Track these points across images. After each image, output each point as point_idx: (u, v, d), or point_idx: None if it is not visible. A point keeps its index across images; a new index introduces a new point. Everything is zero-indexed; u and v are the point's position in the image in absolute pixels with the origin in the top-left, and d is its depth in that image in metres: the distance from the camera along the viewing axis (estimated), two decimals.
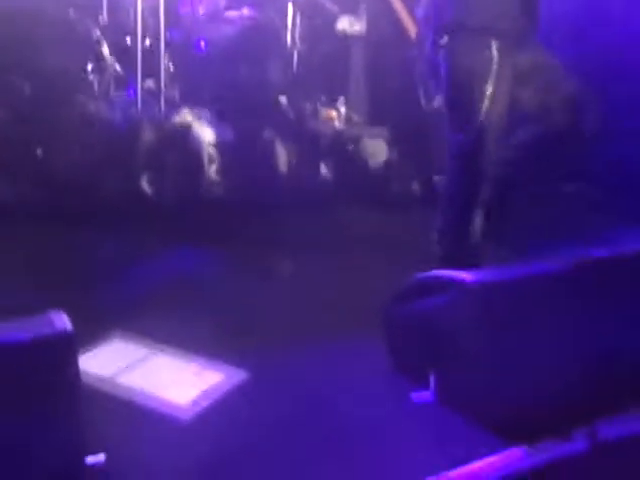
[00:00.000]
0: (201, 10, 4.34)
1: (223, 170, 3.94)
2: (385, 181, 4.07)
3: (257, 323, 2.52)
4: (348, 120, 4.37)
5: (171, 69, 4.19)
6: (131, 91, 4.07)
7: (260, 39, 4.37)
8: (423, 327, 2.19)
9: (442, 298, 2.11)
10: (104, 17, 4.11)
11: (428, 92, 3.60)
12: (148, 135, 3.85)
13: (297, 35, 4.32)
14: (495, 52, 2.72)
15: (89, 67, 3.95)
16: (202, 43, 4.28)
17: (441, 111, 3.47)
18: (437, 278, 2.16)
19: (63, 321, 1.75)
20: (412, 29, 3.93)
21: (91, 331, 2.29)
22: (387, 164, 4.14)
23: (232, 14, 4.36)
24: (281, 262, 3.24)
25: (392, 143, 4.14)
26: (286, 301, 2.66)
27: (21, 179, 3.58)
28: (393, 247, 3.21)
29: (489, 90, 2.72)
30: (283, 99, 4.29)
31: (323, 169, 4.05)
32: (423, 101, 3.63)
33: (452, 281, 2.09)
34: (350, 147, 4.16)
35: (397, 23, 4.08)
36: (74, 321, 1.75)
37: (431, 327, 2.14)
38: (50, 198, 3.40)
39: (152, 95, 4.10)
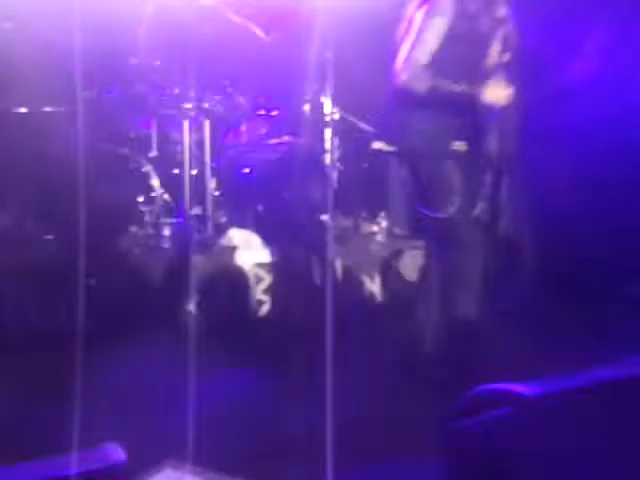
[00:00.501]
0: (245, 142, 4.50)
1: (270, 290, 3.95)
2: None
3: (310, 445, 2.41)
4: (390, 234, 4.38)
5: (216, 195, 4.30)
6: (180, 218, 4.17)
7: (300, 162, 4.48)
8: (480, 443, 2.06)
9: (499, 412, 2.00)
10: (154, 151, 4.28)
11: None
12: (196, 259, 3.91)
13: (335, 156, 4.42)
14: None
15: (140, 199, 4.08)
16: (246, 170, 4.41)
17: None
18: (494, 392, 2.05)
19: (118, 453, 1.70)
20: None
21: (143, 461, 2.22)
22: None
23: (273, 141, 4.50)
24: (332, 381, 3.15)
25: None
26: (339, 421, 2.55)
27: (74, 309, 3.63)
28: None
29: None
30: (325, 217, 4.33)
31: (368, 284, 4.02)
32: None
33: (509, 394, 1.98)
34: (393, 261, 4.15)
35: None
36: (127, 451, 1.70)
37: (489, 442, 2.02)
38: (100, 324, 3.42)
39: (200, 221, 4.19)
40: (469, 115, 2.95)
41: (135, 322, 3.50)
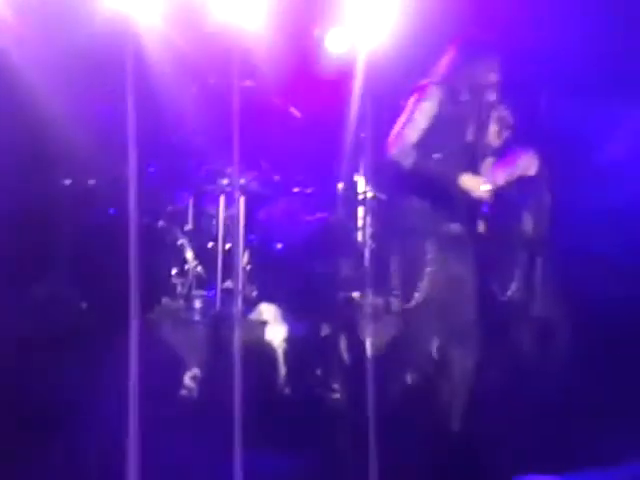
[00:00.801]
0: (278, 215, 4.54)
1: (298, 367, 3.89)
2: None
3: None
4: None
5: (248, 269, 4.30)
6: (211, 291, 4.17)
7: (332, 238, 4.49)
8: None
9: None
10: (189, 224, 4.34)
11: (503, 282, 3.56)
12: (225, 332, 3.89)
13: (368, 233, 4.42)
14: None
15: (174, 271, 4.10)
16: (279, 245, 4.42)
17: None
18: None
19: None
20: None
21: None
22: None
23: (307, 218, 4.53)
24: (366, 464, 3.04)
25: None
26: None
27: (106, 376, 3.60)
28: None
29: None
30: (356, 295, 4.30)
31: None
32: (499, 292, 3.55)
33: None
34: None
35: None
36: None
37: None
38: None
39: (230, 294, 4.19)
40: (463, 196, 3.03)
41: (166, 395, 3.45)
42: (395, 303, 4.31)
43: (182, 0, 4.37)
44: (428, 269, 2.98)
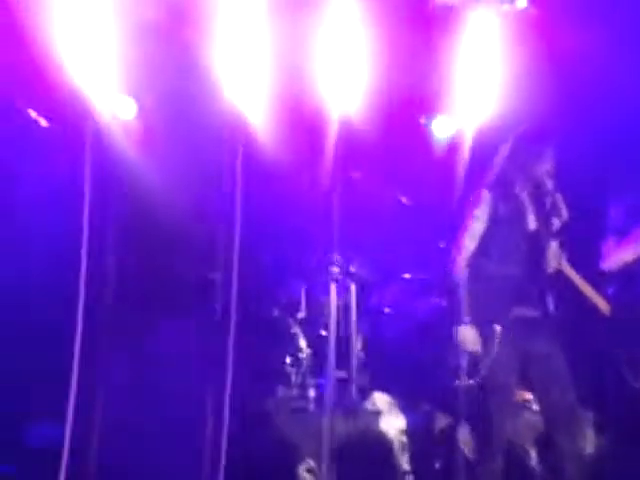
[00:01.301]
0: (389, 302, 4.49)
1: (415, 460, 3.74)
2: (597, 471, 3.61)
3: None
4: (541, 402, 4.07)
5: (361, 357, 4.25)
6: (325, 380, 4.14)
7: (445, 324, 4.38)
8: None
9: None
10: (302, 313, 4.37)
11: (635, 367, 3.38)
12: (340, 422, 3.82)
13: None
14: None
15: (288, 360, 4.12)
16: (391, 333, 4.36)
17: None
18: None
19: None
20: (604, 306, 3.77)
21: None
22: (598, 453, 3.71)
23: (418, 304, 4.46)
24: None
25: (601, 429, 3.75)
26: None
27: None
28: None
29: None
30: (472, 382, 4.12)
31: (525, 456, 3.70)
32: (632, 379, 3.38)
33: None
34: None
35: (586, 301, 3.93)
36: None
37: None
38: None
39: (344, 383, 4.14)
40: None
41: None
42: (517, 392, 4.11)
43: (291, 96, 4.58)
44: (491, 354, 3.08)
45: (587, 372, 3.54)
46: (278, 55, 4.39)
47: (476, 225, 3.16)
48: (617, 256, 3.50)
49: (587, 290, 3.69)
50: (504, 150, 3.27)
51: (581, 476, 3.17)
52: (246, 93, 4.28)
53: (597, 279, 3.60)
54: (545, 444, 3.59)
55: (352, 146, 4.57)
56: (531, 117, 4.24)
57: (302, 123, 4.67)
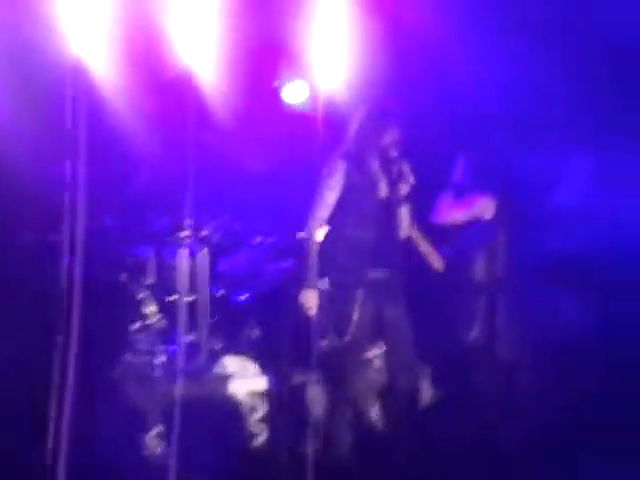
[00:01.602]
0: (242, 268, 4.46)
1: (266, 420, 3.76)
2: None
3: None
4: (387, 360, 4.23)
5: (212, 322, 4.19)
6: (174, 345, 4.04)
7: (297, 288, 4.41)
8: None
9: None
10: (151, 278, 4.22)
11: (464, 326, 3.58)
12: (189, 387, 3.75)
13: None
14: None
15: (136, 326, 3.97)
16: (243, 296, 4.33)
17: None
18: None
19: None
20: (438, 264, 3.97)
21: None
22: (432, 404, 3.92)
23: (270, 268, 4.45)
24: None
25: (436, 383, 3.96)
26: None
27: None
28: None
29: None
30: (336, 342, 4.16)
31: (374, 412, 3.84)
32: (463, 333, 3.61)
33: None
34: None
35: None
36: None
37: None
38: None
39: (195, 348, 4.06)
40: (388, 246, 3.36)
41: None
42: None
43: (139, 50, 4.37)
44: (355, 315, 3.25)
45: (425, 329, 3.71)
46: (127, 6, 4.17)
47: (330, 194, 3.33)
48: (449, 213, 3.72)
49: (426, 249, 3.86)
50: (354, 122, 3.44)
51: (414, 426, 3.38)
52: (94, 47, 4.04)
53: (434, 238, 3.78)
54: (385, 396, 3.75)
55: (205, 107, 4.45)
56: (377, 89, 4.38)
57: (153, 80, 4.50)
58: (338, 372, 3.37)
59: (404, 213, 3.46)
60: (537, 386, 3.72)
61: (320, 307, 3.99)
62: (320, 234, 3.37)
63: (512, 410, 3.63)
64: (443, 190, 3.85)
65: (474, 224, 3.80)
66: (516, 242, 3.78)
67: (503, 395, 3.69)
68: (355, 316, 3.30)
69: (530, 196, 3.86)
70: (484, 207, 3.78)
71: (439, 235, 3.91)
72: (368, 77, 4.64)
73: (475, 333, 3.71)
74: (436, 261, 3.93)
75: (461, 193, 3.82)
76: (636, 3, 4.11)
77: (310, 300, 3.26)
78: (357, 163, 3.35)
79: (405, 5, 4.77)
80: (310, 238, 3.36)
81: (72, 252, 3.34)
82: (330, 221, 3.39)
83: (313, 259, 3.40)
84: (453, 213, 3.68)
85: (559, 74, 4.29)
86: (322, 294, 3.42)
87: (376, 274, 3.34)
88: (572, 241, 3.74)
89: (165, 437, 3.52)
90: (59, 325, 3.50)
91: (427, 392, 3.95)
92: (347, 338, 3.32)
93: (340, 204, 3.34)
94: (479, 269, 3.78)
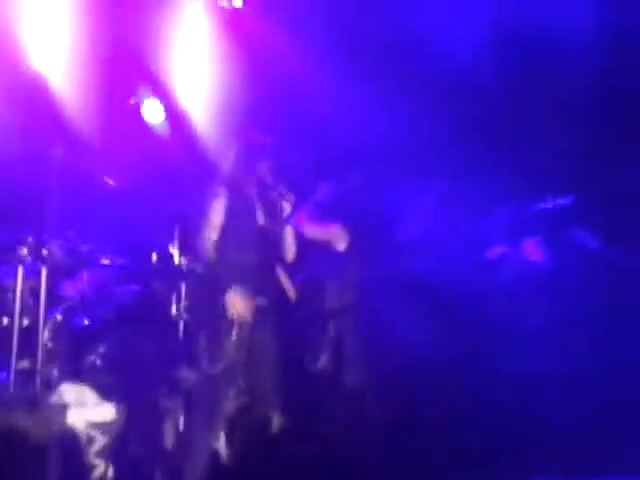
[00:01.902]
0: (85, 288, 4.18)
1: (105, 450, 3.50)
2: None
3: None
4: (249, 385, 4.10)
5: (49, 347, 3.88)
6: (4, 373, 3.69)
7: (152, 311, 4.22)
8: None
9: None
10: None
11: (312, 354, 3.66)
12: (21, 418, 3.42)
13: (182, 306, 4.19)
14: None
15: None
16: (85, 321, 4.05)
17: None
18: None
19: None
20: (291, 294, 3.97)
21: None
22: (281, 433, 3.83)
23: (117, 290, 4.22)
24: None
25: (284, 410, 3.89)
26: None
27: None
28: None
29: None
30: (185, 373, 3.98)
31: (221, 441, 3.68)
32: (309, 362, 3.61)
33: None
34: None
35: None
36: None
37: None
38: None
39: (28, 376, 3.73)
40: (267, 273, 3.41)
41: None
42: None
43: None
44: (229, 339, 3.20)
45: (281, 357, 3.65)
46: None
47: (215, 217, 3.33)
48: (305, 224, 3.77)
49: (283, 278, 3.85)
50: (229, 151, 3.46)
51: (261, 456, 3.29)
52: None
53: (289, 267, 3.78)
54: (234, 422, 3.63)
55: (59, 120, 4.25)
56: (248, 116, 4.37)
57: (8, 89, 4.25)
58: (213, 401, 3.21)
59: (288, 235, 3.45)
60: (383, 414, 3.76)
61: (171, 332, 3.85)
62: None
63: (359, 439, 3.64)
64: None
65: (326, 252, 3.86)
66: (366, 269, 3.86)
67: (350, 423, 3.69)
68: (230, 341, 3.18)
69: (382, 225, 3.95)
70: (337, 235, 3.86)
71: (294, 262, 3.92)
72: (230, 103, 4.64)
73: (322, 362, 3.74)
74: (290, 289, 3.94)
75: (319, 214, 3.89)
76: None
77: (238, 305, 3.19)
78: (235, 189, 3.38)
79: (275, 29, 4.82)
80: (202, 258, 3.37)
81: None
82: (218, 243, 3.36)
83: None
84: (308, 226, 3.72)
85: (409, 112, 4.50)
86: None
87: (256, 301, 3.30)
88: (419, 266, 3.85)
89: None
90: None
91: (276, 419, 3.87)
92: (221, 365, 3.18)
93: (225, 227, 3.35)
94: (329, 297, 3.83)
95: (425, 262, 3.82)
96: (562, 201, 4.05)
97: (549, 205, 4.10)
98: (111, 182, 4.35)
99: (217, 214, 3.32)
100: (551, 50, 4.67)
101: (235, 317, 3.22)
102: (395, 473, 3.25)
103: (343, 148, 4.59)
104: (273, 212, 3.40)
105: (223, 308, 3.25)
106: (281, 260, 3.50)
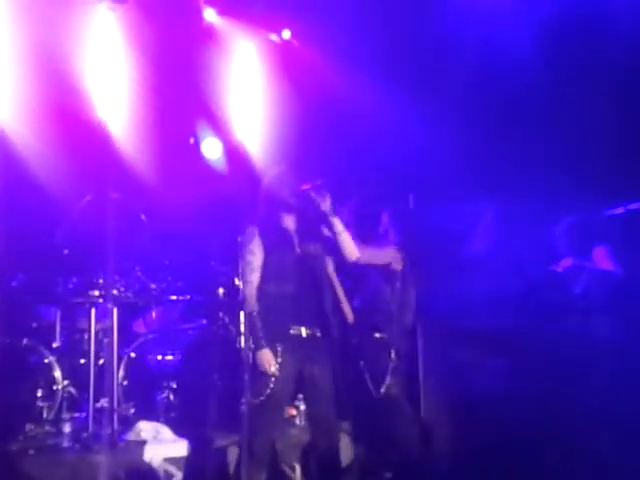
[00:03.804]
0: (156, 328, 4.21)
1: None
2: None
3: None
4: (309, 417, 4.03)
5: (125, 385, 3.90)
6: (84, 413, 3.72)
7: (216, 346, 4.20)
8: None
9: None
10: (58, 341, 3.91)
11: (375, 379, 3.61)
12: (100, 457, 3.43)
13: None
14: None
15: (39, 393, 3.65)
16: (158, 357, 4.07)
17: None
18: None
19: None
20: (350, 316, 3.91)
21: None
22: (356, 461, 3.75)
23: (186, 326, 4.23)
24: None
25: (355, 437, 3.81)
26: None
27: None
28: None
29: None
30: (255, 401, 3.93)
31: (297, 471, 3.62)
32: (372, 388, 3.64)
33: None
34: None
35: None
36: None
37: None
38: None
39: (106, 414, 3.75)
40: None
41: None
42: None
43: (54, 106, 4.22)
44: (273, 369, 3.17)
45: (345, 385, 3.58)
46: (40, 62, 4.04)
47: (253, 258, 3.23)
48: (369, 254, 3.68)
49: (344, 302, 3.79)
50: (265, 182, 3.37)
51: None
52: (7, 104, 3.86)
53: (347, 292, 3.72)
54: (307, 453, 3.57)
55: (116, 164, 4.30)
56: (292, 149, 4.36)
57: (67, 135, 4.34)
58: (257, 430, 3.14)
59: (329, 264, 3.42)
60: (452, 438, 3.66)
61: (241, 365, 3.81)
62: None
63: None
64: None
65: (383, 274, 3.80)
66: (425, 290, 3.78)
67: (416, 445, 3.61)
68: (274, 373, 3.11)
69: (441, 246, 3.86)
70: (393, 256, 3.80)
71: (349, 286, 3.87)
72: (281, 134, 4.64)
73: (387, 385, 3.66)
74: (349, 312, 3.88)
75: (372, 239, 3.82)
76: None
77: (267, 360, 3.14)
78: (270, 223, 3.30)
79: (317, 64, 4.83)
80: (244, 301, 3.23)
81: None
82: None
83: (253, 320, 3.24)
84: (363, 251, 3.66)
85: (461, 130, 4.40)
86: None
87: (298, 330, 3.22)
88: (486, 283, 3.74)
89: None
90: None
91: (347, 449, 3.79)
92: (264, 396, 3.11)
93: (264, 264, 3.26)
94: (392, 320, 3.77)
95: (493, 279, 3.69)
96: (633, 206, 3.84)
97: (619, 211, 3.89)
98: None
99: (254, 255, 3.22)
100: (601, 50, 4.46)
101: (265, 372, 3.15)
102: None
103: (396, 169, 4.51)
104: (315, 243, 3.31)
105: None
106: (330, 286, 3.42)
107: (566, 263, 3.87)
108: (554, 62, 4.49)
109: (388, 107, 4.59)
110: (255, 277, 3.21)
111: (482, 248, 3.88)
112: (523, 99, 4.44)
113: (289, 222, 3.32)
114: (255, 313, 3.18)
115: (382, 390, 3.65)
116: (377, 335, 3.75)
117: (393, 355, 3.69)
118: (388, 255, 3.78)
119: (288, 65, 5.07)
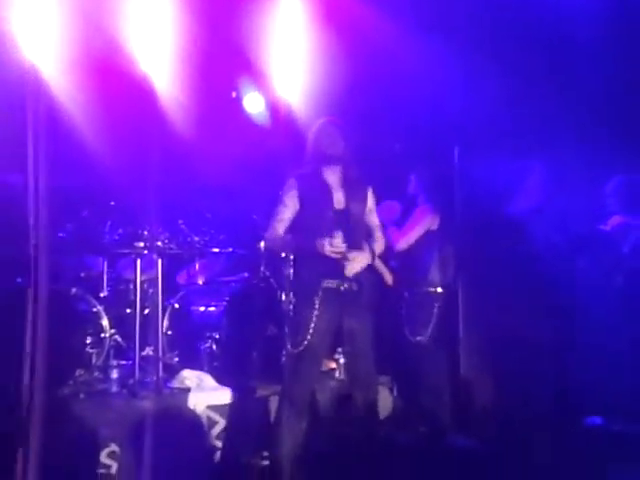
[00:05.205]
0: (200, 280, 4.24)
1: (225, 433, 3.55)
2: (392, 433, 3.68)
3: None
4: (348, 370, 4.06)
5: (169, 335, 3.97)
6: (130, 360, 3.81)
7: (258, 298, 4.23)
8: None
9: None
10: (105, 291, 3.98)
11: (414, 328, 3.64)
12: (146, 403, 3.52)
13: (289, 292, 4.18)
14: None
15: (88, 340, 3.73)
16: (201, 308, 4.12)
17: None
18: None
19: None
20: (388, 277, 3.88)
21: None
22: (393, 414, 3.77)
23: (228, 278, 4.26)
24: None
25: (396, 391, 3.82)
26: None
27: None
28: None
29: None
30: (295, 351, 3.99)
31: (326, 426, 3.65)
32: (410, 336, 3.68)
33: None
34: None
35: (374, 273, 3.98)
36: None
37: None
38: None
39: (151, 362, 3.83)
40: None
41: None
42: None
43: (96, 59, 4.21)
44: (312, 321, 3.16)
45: (383, 338, 3.58)
46: (82, 16, 4.01)
47: (284, 210, 3.23)
48: (405, 239, 3.72)
49: (379, 264, 3.77)
50: (309, 136, 3.32)
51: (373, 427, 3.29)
52: (51, 58, 3.86)
53: (384, 254, 3.69)
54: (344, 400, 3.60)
55: (164, 117, 4.30)
56: (332, 101, 4.28)
57: (111, 89, 4.33)
58: (297, 380, 3.17)
59: (372, 222, 3.37)
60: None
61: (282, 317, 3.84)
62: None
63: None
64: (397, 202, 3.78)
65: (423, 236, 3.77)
66: (467, 250, 3.72)
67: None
68: (312, 325, 3.12)
69: (485, 204, 3.78)
70: (429, 222, 3.75)
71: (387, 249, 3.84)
72: (324, 88, 4.56)
73: (425, 336, 3.66)
74: (387, 276, 3.87)
75: (413, 205, 3.78)
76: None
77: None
78: (311, 177, 3.25)
79: (360, 16, 4.70)
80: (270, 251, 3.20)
81: (34, 265, 3.11)
82: (289, 232, 3.27)
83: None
84: (407, 237, 3.69)
85: (507, 84, 4.27)
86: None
87: (333, 283, 3.20)
88: (527, 245, 3.66)
89: (119, 456, 3.28)
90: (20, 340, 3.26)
91: (386, 401, 3.81)
92: (302, 347, 3.13)
93: (298, 216, 3.24)
94: (430, 278, 3.74)
95: (539, 237, 3.62)
96: None
97: None
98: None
99: (286, 208, 3.21)
100: None
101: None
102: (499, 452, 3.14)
103: (440, 124, 4.40)
104: (357, 197, 3.27)
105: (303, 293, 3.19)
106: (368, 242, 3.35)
107: (615, 221, 3.76)
108: (604, 13, 4.30)
109: (432, 59, 4.46)
110: (280, 228, 3.20)
111: (529, 206, 3.80)
112: (571, 56, 4.29)
113: (332, 177, 3.26)
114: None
115: (419, 338, 3.66)
116: (416, 290, 3.73)
117: (435, 308, 3.69)
118: (425, 226, 3.74)
119: (331, 17, 4.95)
